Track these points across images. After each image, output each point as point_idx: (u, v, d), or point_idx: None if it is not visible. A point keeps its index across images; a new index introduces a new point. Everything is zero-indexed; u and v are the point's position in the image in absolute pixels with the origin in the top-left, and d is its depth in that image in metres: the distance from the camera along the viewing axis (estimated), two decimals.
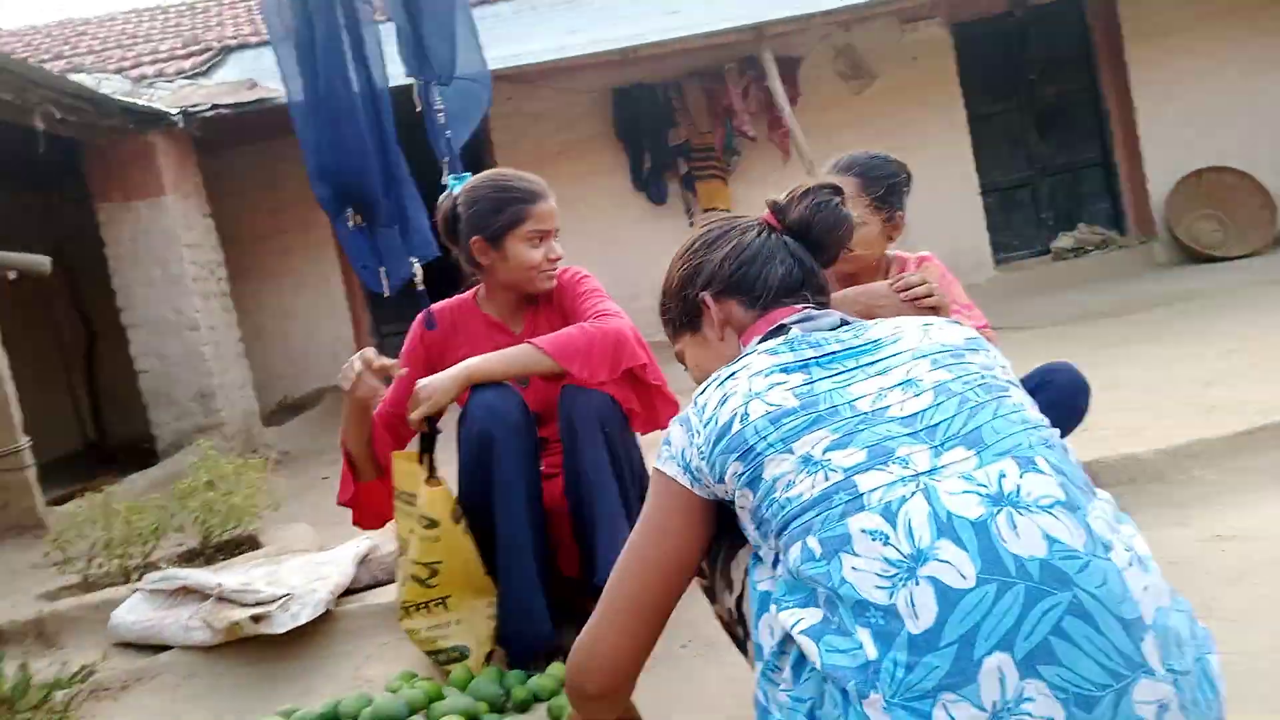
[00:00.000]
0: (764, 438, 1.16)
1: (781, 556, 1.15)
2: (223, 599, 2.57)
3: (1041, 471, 1.09)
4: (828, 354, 1.23)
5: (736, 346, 1.38)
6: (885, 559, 1.05)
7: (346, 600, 2.66)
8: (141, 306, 6.16)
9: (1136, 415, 3.05)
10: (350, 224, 2.25)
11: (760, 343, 1.31)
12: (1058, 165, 8.84)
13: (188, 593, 2.68)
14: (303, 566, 2.78)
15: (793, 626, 1.10)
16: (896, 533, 1.05)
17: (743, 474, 1.17)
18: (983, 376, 1.19)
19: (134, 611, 2.70)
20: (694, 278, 1.43)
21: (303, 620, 2.45)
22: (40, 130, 5.03)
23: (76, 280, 8.11)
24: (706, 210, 8.07)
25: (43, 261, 4.97)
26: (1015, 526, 1.04)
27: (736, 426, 1.18)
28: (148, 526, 3.27)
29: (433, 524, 2.09)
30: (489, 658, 2.19)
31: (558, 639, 2.24)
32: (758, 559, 1.23)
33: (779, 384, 1.20)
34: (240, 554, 3.34)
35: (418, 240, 2.22)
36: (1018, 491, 1.07)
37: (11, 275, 4.70)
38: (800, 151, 6.56)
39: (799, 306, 1.36)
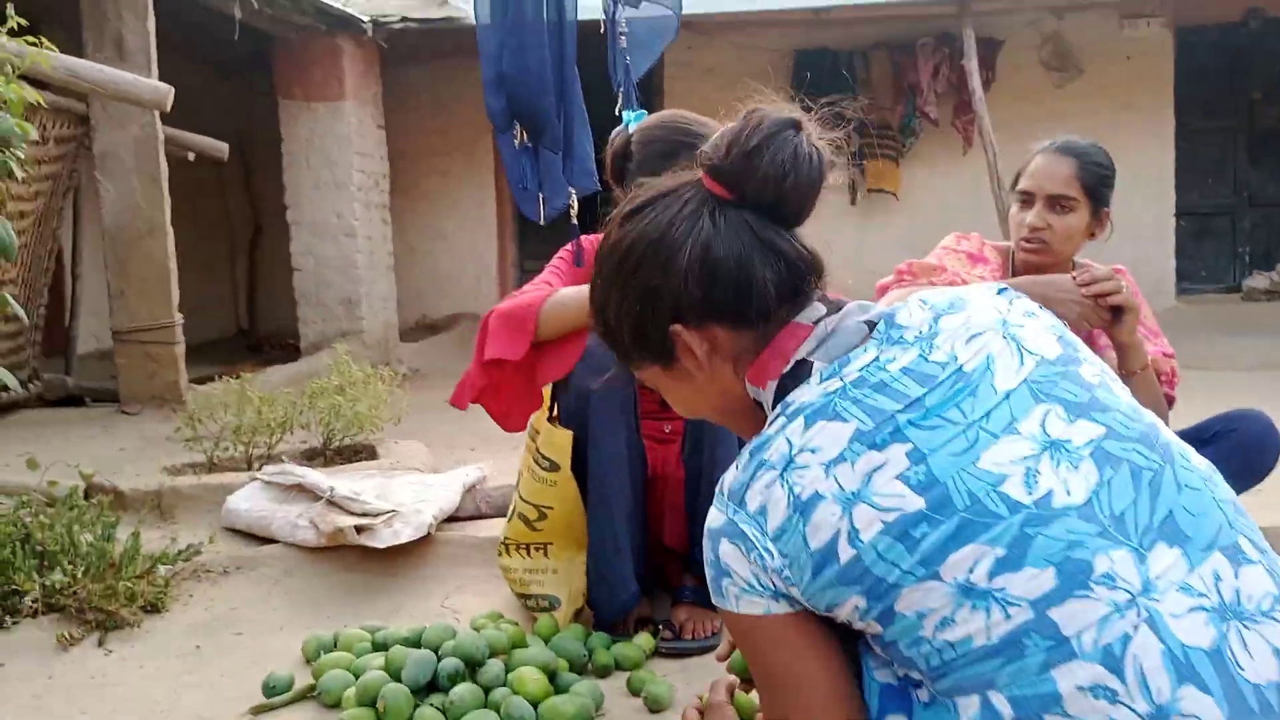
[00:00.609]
0: (894, 563, 0.88)
1: (932, 695, 0.93)
2: (332, 503, 2.59)
3: (1251, 561, 0.88)
4: (915, 403, 0.92)
5: (732, 376, 1.08)
6: (1136, 713, 0.81)
7: (448, 526, 2.64)
8: (306, 206, 6.34)
9: None
10: (516, 142, 2.17)
11: (786, 394, 1.00)
12: (1265, 197, 8.07)
13: (301, 490, 2.72)
14: (412, 485, 2.77)
15: None
16: (1127, 686, 0.81)
17: (869, 609, 0.91)
18: (1129, 418, 0.94)
19: (249, 500, 2.75)
20: (652, 310, 1.05)
21: (403, 539, 2.44)
22: (237, 19, 5.17)
23: (251, 173, 8.47)
24: (872, 190, 7.75)
25: (220, 146, 5.18)
26: (1246, 645, 0.82)
27: (846, 552, 0.89)
28: (276, 419, 3.34)
29: (553, 467, 2.01)
30: (578, 614, 2.11)
31: (650, 610, 2.16)
32: (867, 647, 1.00)
33: (876, 469, 0.90)
34: (357, 461, 3.38)
35: (579, 171, 2.13)
36: (1238, 597, 0.85)
37: (190, 156, 4.90)
38: (985, 141, 6.17)
39: (809, 324, 1.05)
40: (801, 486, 0.92)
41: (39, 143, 4.12)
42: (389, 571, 2.48)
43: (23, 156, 2.43)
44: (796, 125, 1.06)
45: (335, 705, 1.83)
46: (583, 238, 2.19)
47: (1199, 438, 2.05)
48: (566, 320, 1.93)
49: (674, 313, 1.05)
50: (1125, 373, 2.00)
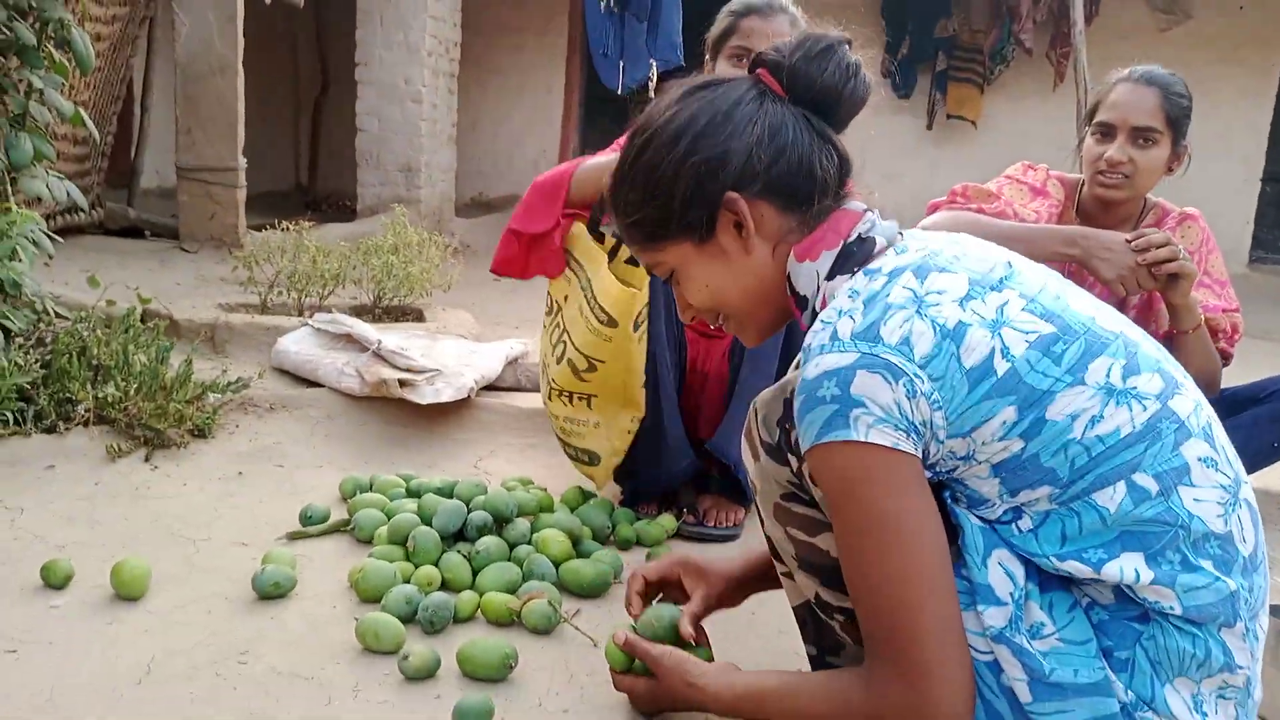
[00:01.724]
0: (1045, 373, 0.97)
1: (1062, 506, 0.98)
2: (379, 355, 2.63)
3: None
4: (996, 268, 1.04)
5: (768, 260, 1.11)
6: (1220, 485, 0.99)
7: (487, 393, 2.68)
8: (376, 66, 6.28)
9: None
10: (603, 5, 2.11)
11: (848, 263, 1.06)
12: None
13: (350, 340, 2.77)
14: (456, 349, 2.81)
15: (1128, 579, 0.96)
16: (1221, 456, 1.01)
17: (1018, 422, 0.97)
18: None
19: (299, 343, 2.81)
20: (715, 172, 1.08)
21: (444, 398, 2.48)
22: None
23: (324, 28, 8.38)
24: (951, 116, 7.51)
25: None
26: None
27: (1001, 365, 0.96)
28: (330, 270, 3.39)
29: (611, 322, 1.96)
30: (615, 475, 2.12)
31: (676, 495, 2.19)
32: (953, 499, 1.03)
33: (1004, 304, 1.00)
34: (404, 322, 3.43)
35: (663, 43, 2.08)
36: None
37: (267, 0, 4.84)
38: (1079, 77, 5.91)
39: (860, 210, 1.11)
40: (944, 318, 0.98)
41: None
42: (427, 427, 2.53)
43: None
44: (850, 44, 1.13)
45: (367, 541, 1.89)
46: None
47: (1254, 396, 2.01)
48: (599, 183, 1.93)
49: (736, 180, 1.08)
50: (1177, 331, 1.95)
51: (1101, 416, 0.97)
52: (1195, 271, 1.87)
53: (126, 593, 1.62)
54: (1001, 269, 1.05)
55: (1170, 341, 2.01)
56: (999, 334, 0.98)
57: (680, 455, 2.05)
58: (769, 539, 1.26)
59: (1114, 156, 1.98)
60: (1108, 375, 0.99)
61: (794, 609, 1.30)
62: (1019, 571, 1.00)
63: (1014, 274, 1.05)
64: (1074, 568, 0.98)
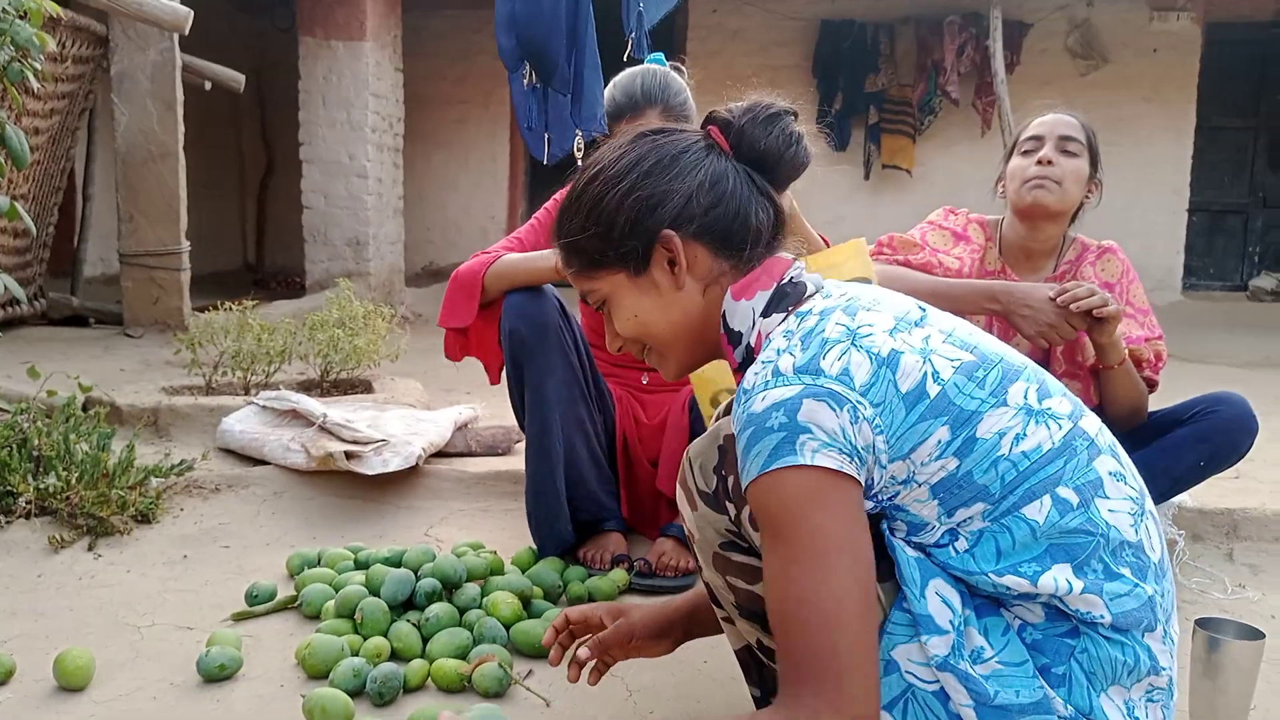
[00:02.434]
0: (971, 395, 1.04)
1: (994, 523, 1.03)
2: (324, 429, 2.63)
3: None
4: (906, 313, 1.11)
5: (698, 298, 1.17)
6: (1129, 497, 1.07)
7: (437, 460, 2.69)
8: (320, 145, 6.33)
9: None
10: (525, 82, 2.18)
11: (779, 304, 1.13)
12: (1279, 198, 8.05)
13: (295, 416, 2.76)
14: (404, 418, 2.82)
15: (1062, 590, 1.02)
16: (1127, 471, 1.10)
17: (951, 441, 1.03)
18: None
19: (243, 422, 2.80)
20: (654, 209, 1.14)
21: (392, 468, 2.49)
22: None
23: (266, 111, 8.46)
24: (886, 166, 7.72)
25: (237, 78, 5.17)
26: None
27: (933, 389, 1.03)
28: (275, 347, 3.38)
29: None
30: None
31: (627, 548, 2.20)
32: (886, 525, 1.08)
33: (927, 336, 1.07)
34: (353, 394, 3.42)
35: (587, 114, 2.14)
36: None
37: (207, 85, 4.90)
38: (1004, 124, 6.14)
39: (791, 258, 1.19)
40: (878, 347, 1.05)
41: (57, 60, 4.14)
42: (376, 499, 2.53)
43: (40, 68, 2.45)
44: (797, 115, 1.22)
45: (315, 616, 1.88)
46: None
47: (1178, 418, 2.08)
48: (513, 282, 2.06)
49: (673, 219, 1.15)
50: (1103, 367, 2.03)
51: (1024, 434, 1.04)
52: (1120, 313, 1.95)
53: (70, 683, 1.60)
54: (916, 312, 1.12)
55: (1097, 375, 2.09)
56: (929, 359, 1.05)
57: (562, 525, 2.12)
58: (708, 585, 1.29)
59: (1046, 155, 2.07)
60: (1025, 397, 1.06)
61: (736, 653, 1.32)
62: (956, 599, 1.04)
63: (928, 315, 1.13)
64: (1013, 582, 1.02)
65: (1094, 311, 1.91)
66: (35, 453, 2.38)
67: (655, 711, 1.58)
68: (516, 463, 2.69)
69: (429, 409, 3.18)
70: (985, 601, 1.05)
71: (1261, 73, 7.85)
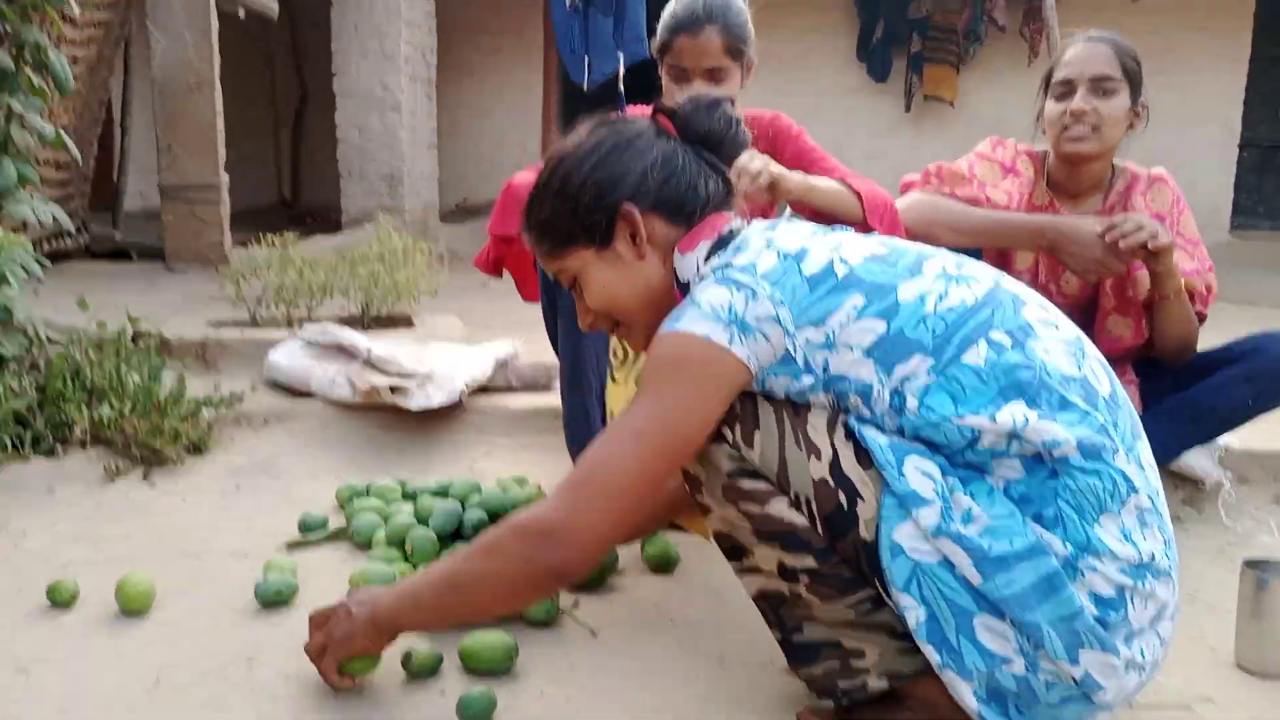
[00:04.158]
0: (883, 272, 1.17)
1: (937, 372, 1.13)
2: (369, 364, 2.66)
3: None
4: (822, 229, 1.28)
5: (658, 266, 1.31)
6: (1064, 340, 1.17)
7: (479, 396, 2.71)
8: (354, 76, 6.28)
9: None
10: (568, 3, 2.13)
11: (716, 248, 1.27)
12: None
13: (340, 350, 2.79)
14: (446, 354, 2.83)
15: (1020, 425, 1.09)
16: (1060, 321, 1.20)
17: (867, 305, 1.15)
18: None
19: (289, 356, 2.83)
20: (614, 186, 1.29)
21: (435, 403, 2.51)
22: None
23: (300, 40, 8.39)
24: (929, 98, 7.54)
25: (270, 5, 5.12)
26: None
27: (841, 269, 1.17)
28: (317, 282, 3.41)
29: None
30: None
31: None
32: (854, 416, 1.17)
33: (841, 241, 1.22)
34: (393, 329, 3.45)
35: (630, 37, 2.10)
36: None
37: (240, 13, 4.86)
38: (1052, 51, 5.95)
39: (729, 214, 1.33)
40: (788, 247, 1.20)
41: None
42: (420, 432, 2.56)
43: None
44: (733, 103, 1.40)
45: (366, 545, 1.92)
46: (628, 108, 2.19)
47: (1226, 357, 2.06)
48: None
49: (631, 193, 1.29)
50: (1159, 296, 1.99)
51: (946, 294, 1.16)
52: (1173, 243, 1.91)
53: (132, 608, 1.65)
54: (835, 233, 1.27)
55: (1149, 310, 2.06)
56: (837, 251, 1.19)
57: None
58: (723, 535, 1.28)
59: (1078, 107, 2.01)
60: (943, 268, 1.19)
61: (754, 600, 1.31)
62: (935, 470, 1.12)
63: (846, 236, 1.26)
64: (975, 421, 1.11)
65: (1147, 245, 1.88)
66: (88, 384, 2.43)
67: (700, 644, 1.61)
68: (556, 399, 2.69)
69: (469, 344, 3.20)
70: (968, 470, 1.13)
71: None
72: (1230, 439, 2.30)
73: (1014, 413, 1.10)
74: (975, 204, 2.10)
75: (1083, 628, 1.08)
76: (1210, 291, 2.11)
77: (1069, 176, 2.11)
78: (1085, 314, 2.09)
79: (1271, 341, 2.01)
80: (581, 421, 2.12)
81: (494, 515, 1.90)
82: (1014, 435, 1.10)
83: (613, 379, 1.98)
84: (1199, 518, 2.22)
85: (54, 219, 2.62)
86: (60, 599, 1.67)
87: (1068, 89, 2.04)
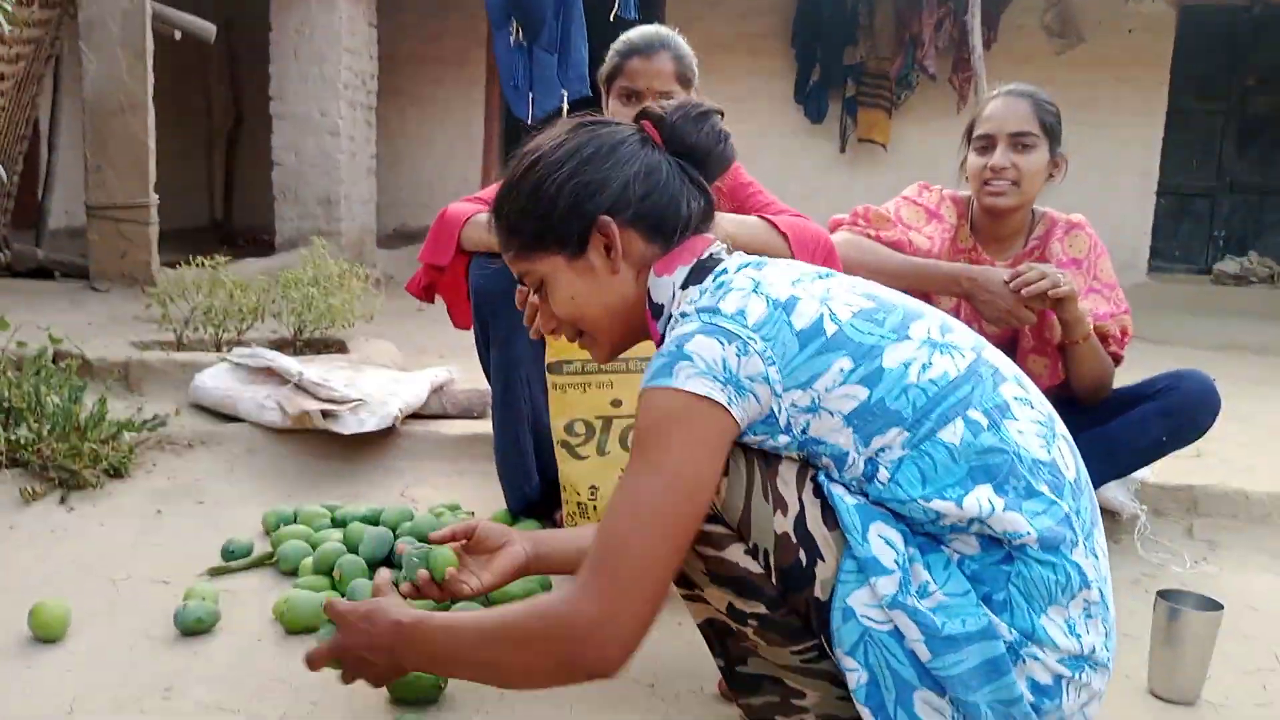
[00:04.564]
0: (870, 332, 1.12)
1: (911, 446, 1.09)
2: (300, 388, 2.62)
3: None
4: (808, 270, 1.21)
5: (631, 282, 1.24)
6: (1037, 421, 1.14)
7: (412, 421, 2.68)
8: (291, 100, 6.22)
9: (1258, 454, 2.83)
10: (512, 39, 2.16)
11: (694, 274, 1.21)
12: (1246, 183, 8.16)
13: (270, 374, 2.74)
14: (380, 379, 2.81)
15: (985, 512, 1.07)
16: (1033, 397, 1.16)
17: (854, 370, 1.10)
18: None
19: (216, 379, 2.77)
20: (592, 195, 1.21)
21: (368, 428, 2.48)
22: None
23: (236, 62, 8.29)
24: (863, 140, 7.74)
25: (208, 28, 5.07)
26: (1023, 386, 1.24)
27: (830, 327, 1.11)
28: (248, 304, 3.35)
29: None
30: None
31: None
32: (824, 474, 1.13)
33: (829, 287, 1.16)
34: (326, 354, 3.40)
35: (573, 74, 2.12)
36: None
37: (176, 35, 4.80)
38: (980, 100, 6.16)
39: (710, 237, 1.27)
40: (776, 294, 1.14)
41: (23, 3, 4.03)
42: (351, 458, 2.53)
43: (9, 10, 2.39)
44: (723, 114, 1.30)
45: (292, 572, 1.88)
46: None
47: (1142, 393, 2.13)
48: (486, 241, 2.00)
49: (610, 205, 1.21)
50: (1068, 342, 2.07)
51: (930, 364, 1.12)
52: (1075, 292, 1.99)
53: (46, 634, 1.60)
54: (820, 270, 1.22)
55: (1063, 351, 2.13)
56: (826, 304, 1.13)
57: (526, 482, 2.15)
58: None
59: (997, 163, 2.09)
60: (928, 333, 1.15)
61: (699, 626, 1.31)
62: (898, 539, 1.09)
63: (833, 274, 1.21)
64: (940, 505, 1.08)
65: (1048, 292, 1.95)
66: (6, 404, 2.35)
67: (632, 669, 1.61)
68: (490, 425, 2.69)
69: (404, 370, 3.17)
70: (926, 539, 1.11)
71: (1233, 57, 7.93)
72: (1145, 473, 2.38)
73: (980, 498, 1.08)
74: (898, 246, 2.16)
75: (1019, 713, 1.08)
76: (1126, 334, 2.18)
77: (991, 225, 2.19)
78: (1006, 352, 2.15)
79: (1185, 380, 2.09)
80: (513, 452, 2.12)
81: (424, 542, 1.87)
82: (977, 520, 1.08)
83: (575, 455, 1.96)
84: (1115, 549, 2.29)
85: None
86: None
87: (988, 143, 2.11)
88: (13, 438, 2.26)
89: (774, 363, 1.09)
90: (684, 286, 1.22)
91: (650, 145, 1.25)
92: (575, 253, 1.23)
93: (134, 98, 4.46)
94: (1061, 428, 1.18)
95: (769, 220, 1.97)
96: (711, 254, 1.23)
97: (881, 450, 1.10)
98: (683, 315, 1.16)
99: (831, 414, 1.10)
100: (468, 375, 3.19)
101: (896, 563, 1.08)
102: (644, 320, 1.26)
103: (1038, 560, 1.09)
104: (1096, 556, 1.14)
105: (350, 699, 1.46)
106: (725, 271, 1.20)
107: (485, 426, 2.69)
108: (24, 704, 1.41)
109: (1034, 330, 2.16)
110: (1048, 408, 1.18)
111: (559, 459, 1.95)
